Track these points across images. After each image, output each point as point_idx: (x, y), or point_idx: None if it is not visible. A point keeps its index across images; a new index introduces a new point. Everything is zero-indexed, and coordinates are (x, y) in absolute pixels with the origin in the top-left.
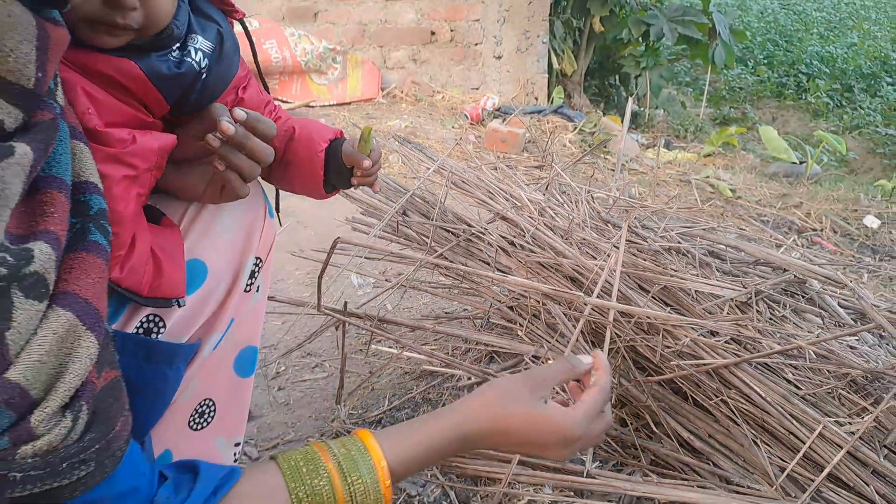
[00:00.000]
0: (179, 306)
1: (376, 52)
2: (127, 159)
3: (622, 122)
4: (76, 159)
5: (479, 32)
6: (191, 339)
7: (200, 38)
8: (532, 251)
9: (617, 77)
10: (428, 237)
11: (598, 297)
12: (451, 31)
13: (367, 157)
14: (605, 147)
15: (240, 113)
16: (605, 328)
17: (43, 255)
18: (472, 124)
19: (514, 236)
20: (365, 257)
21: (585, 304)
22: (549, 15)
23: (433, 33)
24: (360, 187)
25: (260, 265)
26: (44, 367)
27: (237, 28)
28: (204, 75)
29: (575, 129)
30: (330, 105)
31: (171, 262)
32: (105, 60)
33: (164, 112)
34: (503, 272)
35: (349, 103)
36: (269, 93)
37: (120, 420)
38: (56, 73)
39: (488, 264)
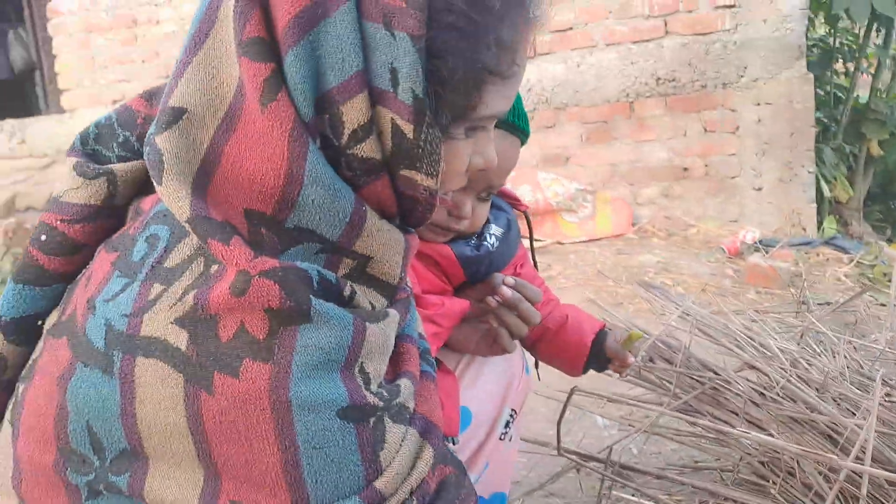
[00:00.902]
0: (453, 444)
1: (626, 189)
2: (437, 319)
3: None
4: (418, 322)
5: (735, 165)
6: None
7: (493, 226)
8: (782, 404)
9: None
10: (672, 382)
11: (854, 459)
12: (706, 165)
13: (631, 356)
14: (889, 282)
15: (510, 280)
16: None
17: (406, 389)
18: (729, 258)
19: (765, 387)
20: (608, 399)
21: (840, 467)
22: (817, 142)
23: (686, 169)
24: None
25: (514, 416)
26: (399, 477)
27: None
28: (493, 253)
29: (851, 261)
30: (580, 241)
31: (450, 403)
32: (428, 245)
33: (460, 283)
34: (753, 423)
35: (599, 239)
36: (538, 269)
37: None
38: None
39: (737, 415)
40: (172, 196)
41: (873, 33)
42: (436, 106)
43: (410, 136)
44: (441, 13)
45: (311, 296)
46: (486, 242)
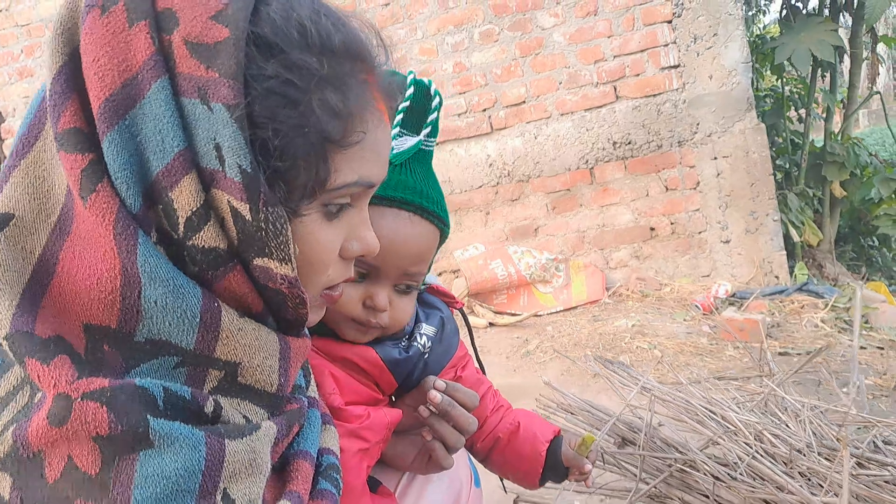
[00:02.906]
0: None
1: (597, 254)
2: (362, 433)
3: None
4: (324, 436)
5: (701, 221)
6: None
7: (424, 325)
8: (751, 483)
9: (874, 238)
10: (637, 466)
11: None
12: (672, 223)
13: (588, 462)
14: (866, 323)
15: (440, 383)
16: None
17: None
18: (704, 315)
19: (731, 465)
20: (574, 490)
21: None
22: (779, 190)
23: (652, 229)
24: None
25: None
26: None
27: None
28: (427, 355)
29: (826, 305)
30: (557, 311)
31: None
32: (349, 348)
33: (393, 390)
34: None
35: (575, 308)
36: (484, 372)
37: None
38: (308, 370)
39: (707, 497)
40: None
41: (818, 80)
42: (276, 182)
43: (249, 217)
44: (257, 79)
45: (148, 416)
46: (416, 343)
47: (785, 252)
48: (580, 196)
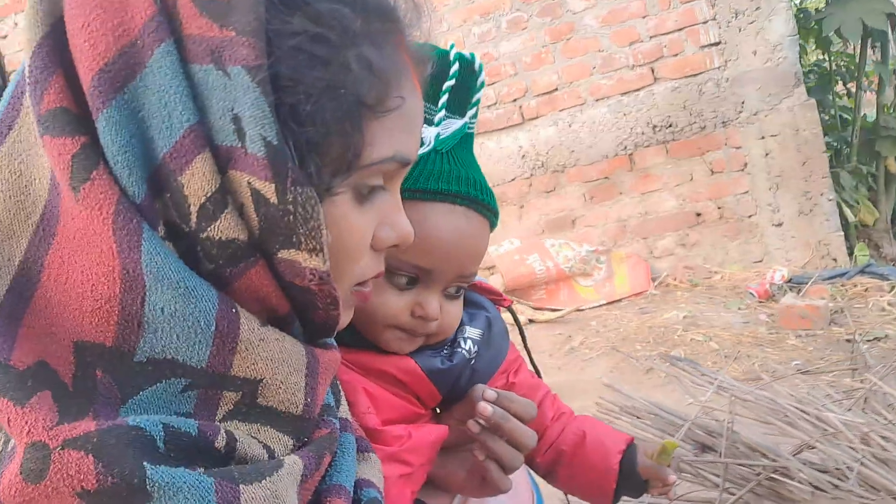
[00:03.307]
0: None
1: (640, 244)
2: (404, 457)
3: None
4: (362, 465)
5: (750, 204)
6: None
7: (468, 328)
8: (861, 494)
9: None
10: (718, 475)
11: None
12: (719, 208)
13: (671, 472)
14: None
15: (490, 393)
16: None
17: None
18: (760, 302)
19: (836, 469)
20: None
21: None
22: (831, 167)
23: (699, 214)
24: None
25: None
26: None
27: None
28: (473, 361)
29: (892, 288)
30: (600, 305)
31: None
32: (385, 360)
33: (436, 402)
34: None
35: (619, 301)
36: (539, 376)
37: None
38: (338, 387)
39: None
40: None
41: (869, 50)
42: (305, 157)
43: (274, 199)
44: (281, 36)
45: (144, 463)
46: (460, 349)
47: (843, 233)
48: (619, 184)
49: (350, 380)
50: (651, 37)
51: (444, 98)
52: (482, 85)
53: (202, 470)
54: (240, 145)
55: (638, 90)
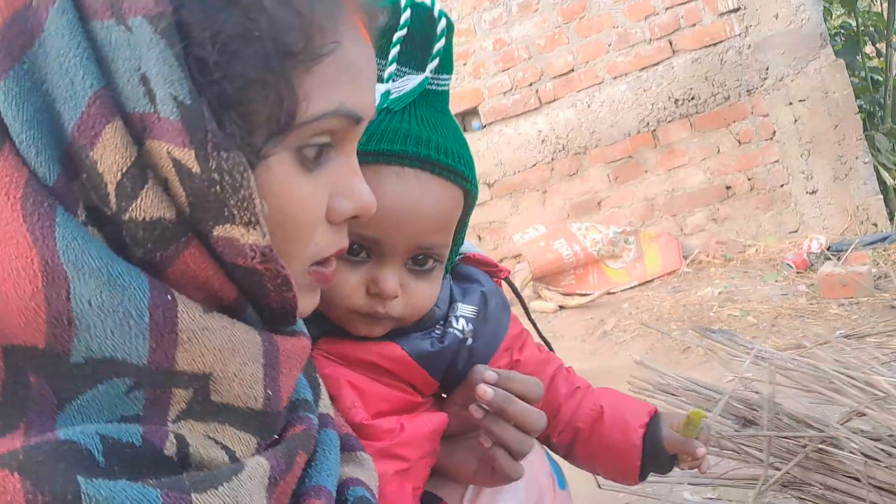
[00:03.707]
0: None
1: (670, 222)
2: (397, 451)
3: None
4: (348, 464)
5: (781, 173)
6: None
7: (461, 305)
8: None
9: None
10: (762, 450)
11: None
12: (749, 179)
13: (700, 445)
14: None
15: (489, 374)
16: None
17: None
18: (799, 273)
19: (890, 435)
20: (689, 483)
21: None
22: (865, 130)
23: (728, 187)
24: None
25: None
26: None
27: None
28: (469, 341)
29: None
30: (631, 287)
31: None
32: (367, 347)
33: (434, 389)
34: (884, 490)
35: (651, 281)
36: (551, 349)
37: None
38: (317, 381)
39: (858, 480)
40: None
41: None
42: (227, 116)
43: (196, 169)
44: None
45: (78, 477)
46: (452, 329)
47: (881, 196)
48: (644, 162)
49: (332, 373)
50: (667, 8)
51: (394, 50)
52: (444, 34)
53: (150, 481)
54: (152, 110)
55: (657, 65)
